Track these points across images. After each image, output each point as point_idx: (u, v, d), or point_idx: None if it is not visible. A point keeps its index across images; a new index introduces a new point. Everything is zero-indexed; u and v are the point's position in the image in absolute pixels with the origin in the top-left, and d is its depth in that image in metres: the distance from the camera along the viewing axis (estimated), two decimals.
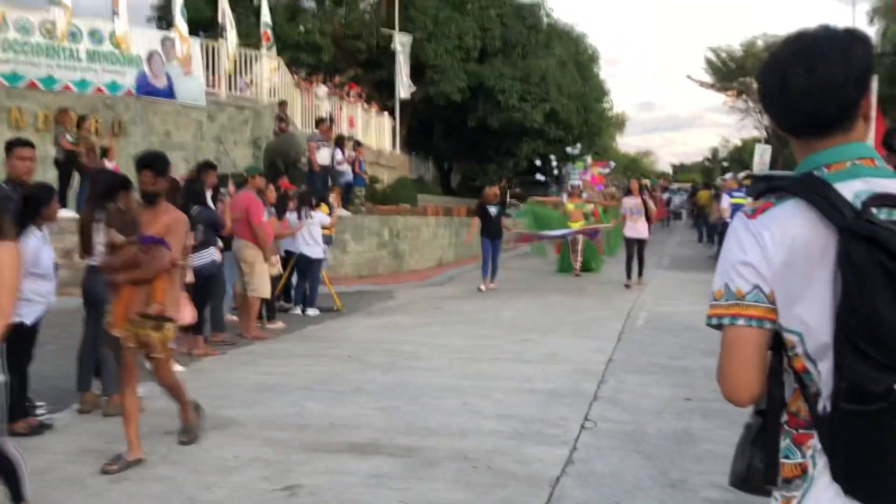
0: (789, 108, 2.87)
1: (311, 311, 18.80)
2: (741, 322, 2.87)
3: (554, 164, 44.97)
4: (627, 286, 24.54)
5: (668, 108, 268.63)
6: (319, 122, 28.20)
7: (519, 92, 49.29)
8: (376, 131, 41.59)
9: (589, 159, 40.26)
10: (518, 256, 35.40)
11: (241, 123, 29.65)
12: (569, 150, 44.67)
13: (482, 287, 23.85)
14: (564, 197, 31.04)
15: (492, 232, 24.25)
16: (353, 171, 28.41)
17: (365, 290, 23.29)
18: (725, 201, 29.01)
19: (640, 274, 25.28)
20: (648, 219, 25.22)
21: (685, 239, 48.34)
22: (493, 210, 24.38)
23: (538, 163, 52.78)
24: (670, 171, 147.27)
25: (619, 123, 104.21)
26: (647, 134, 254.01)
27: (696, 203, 51.54)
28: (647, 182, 47.70)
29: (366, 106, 40.73)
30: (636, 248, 25.01)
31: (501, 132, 51.94)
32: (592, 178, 35.74)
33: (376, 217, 28.41)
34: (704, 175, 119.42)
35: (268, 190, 16.83)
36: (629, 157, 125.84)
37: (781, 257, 2.83)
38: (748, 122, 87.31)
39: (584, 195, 30.41)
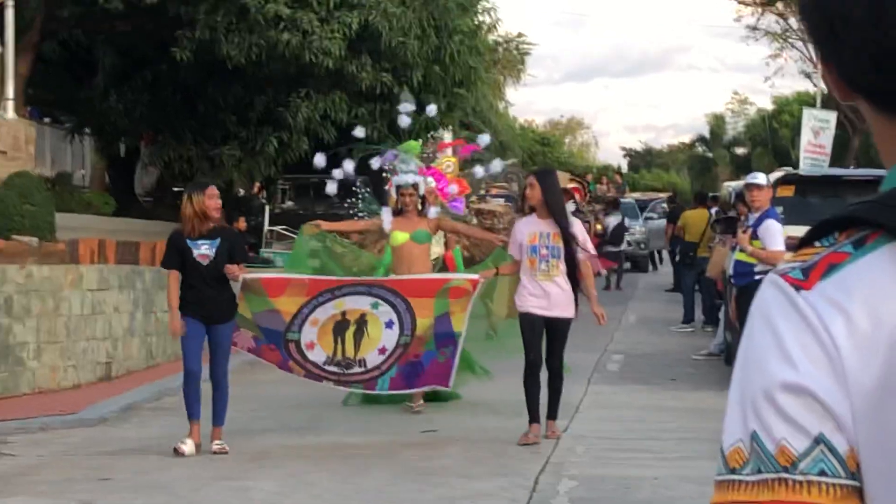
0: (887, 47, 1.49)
1: None
2: None
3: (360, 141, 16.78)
4: (528, 437, 12.07)
5: (617, 30, 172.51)
6: None
7: None
8: None
9: (443, 135, 22.72)
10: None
11: None
12: (428, 110, 17.12)
13: (185, 446, 11.52)
14: (386, 217, 14.45)
15: (207, 306, 11.95)
16: None
17: None
18: (744, 243, 14.33)
19: (551, 407, 12.31)
20: (575, 273, 12.17)
21: (654, 303, 29.33)
22: (205, 251, 12.00)
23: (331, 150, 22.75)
24: (623, 163, 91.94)
25: (511, 62, 57.26)
26: (574, 83, 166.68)
27: (678, 236, 24.79)
28: (574, 184, 32.01)
29: None
30: (545, 342, 12.29)
31: (255, 79, 25.46)
32: (439, 176, 16.51)
33: None
34: (695, 174, 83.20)
35: None
36: (535, 133, 76.54)
37: (875, 372, 1.46)
38: (788, 64, 53.43)
39: (432, 211, 14.41)
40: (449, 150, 19.18)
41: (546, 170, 14.49)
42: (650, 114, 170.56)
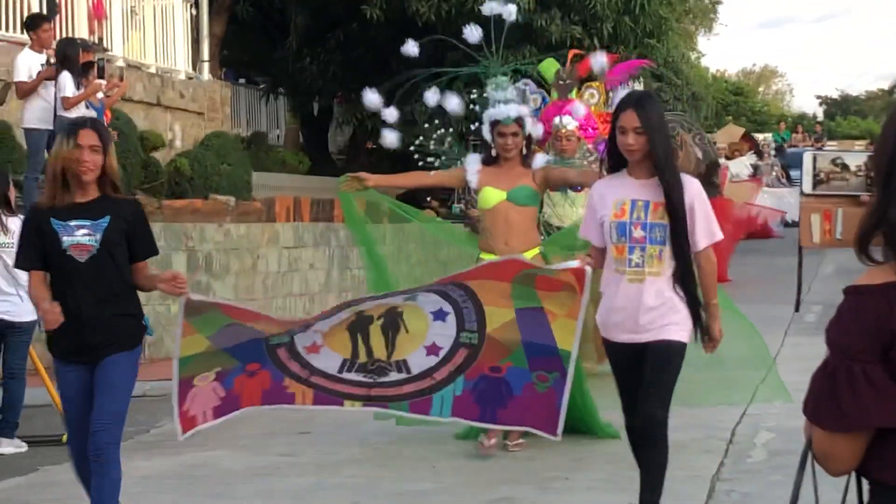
0: None
1: (6, 447, 10.34)
2: None
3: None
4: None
5: None
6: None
7: None
8: (156, 31, 21.89)
9: (602, 59, 12.79)
10: None
11: None
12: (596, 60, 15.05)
13: None
14: (472, 167, 9.31)
15: (88, 337, 6.76)
16: (105, 119, 14.05)
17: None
18: None
19: (648, 490, 6.91)
20: (689, 271, 6.87)
21: (852, 253, 28.09)
22: (84, 238, 6.73)
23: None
24: (819, 111, 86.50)
25: (703, 11, 53.62)
26: (767, 30, 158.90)
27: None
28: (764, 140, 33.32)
29: None
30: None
31: (445, 36, 23.55)
32: (588, 116, 11.21)
33: (157, 224, 14.08)
34: None
35: None
36: (727, 83, 70.59)
37: None
38: None
39: (539, 159, 9.33)
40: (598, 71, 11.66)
41: (646, 94, 7.86)
42: (846, 60, 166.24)
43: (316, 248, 18.60)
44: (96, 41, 17.73)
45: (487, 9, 9.65)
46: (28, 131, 13.84)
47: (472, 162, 9.23)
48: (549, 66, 11.49)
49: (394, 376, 7.62)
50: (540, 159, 9.20)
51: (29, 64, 13.53)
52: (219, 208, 17.60)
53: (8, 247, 9.55)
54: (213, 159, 18.60)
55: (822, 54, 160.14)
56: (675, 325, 6.68)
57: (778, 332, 15.23)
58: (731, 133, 27.22)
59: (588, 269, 7.01)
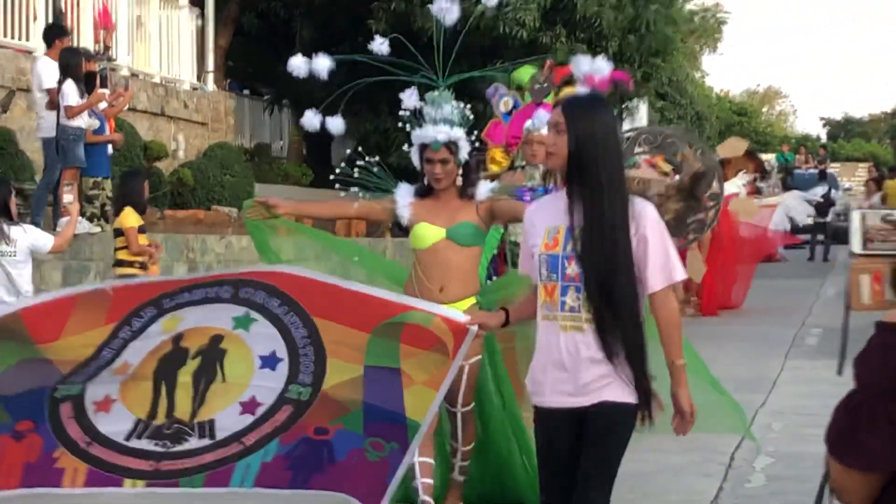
0: None
1: None
2: None
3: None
4: None
5: None
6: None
7: None
8: (162, 41, 22.11)
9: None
10: None
11: None
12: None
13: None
14: (402, 199, 7.66)
15: None
16: (108, 129, 14.48)
17: None
18: None
19: None
20: (638, 313, 5.22)
21: None
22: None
23: None
24: (822, 133, 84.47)
25: (708, 31, 53.51)
26: (771, 50, 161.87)
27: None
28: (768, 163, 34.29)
29: None
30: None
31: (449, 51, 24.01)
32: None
33: (159, 235, 14.48)
34: None
35: None
36: (731, 103, 71.01)
37: None
38: None
39: (483, 188, 7.55)
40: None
41: (585, 98, 5.71)
42: (849, 81, 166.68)
43: (317, 262, 18.49)
44: (102, 50, 17.76)
45: (436, 8, 8.29)
46: (46, 141, 13.76)
47: (404, 194, 7.59)
48: (526, 72, 11.11)
49: (193, 443, 5.89)
50: (484, 189, 7.44)
51: (51, 72, 13.49)
52: (221, 219, 17.62)
53: (9, 255, 9.56)
54: (215, 170, 18.63)
55: (826, 76, 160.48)
56: (625, 382, 5.01)
57: (778, 355, 15.23)
58: (733, 147, 25.50)
59: (472, 329, 5.43)
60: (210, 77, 23.71)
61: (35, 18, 17.54)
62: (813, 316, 20.07)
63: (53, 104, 13.36)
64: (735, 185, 23.16)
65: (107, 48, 18.50)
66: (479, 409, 7.70)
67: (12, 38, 17.27)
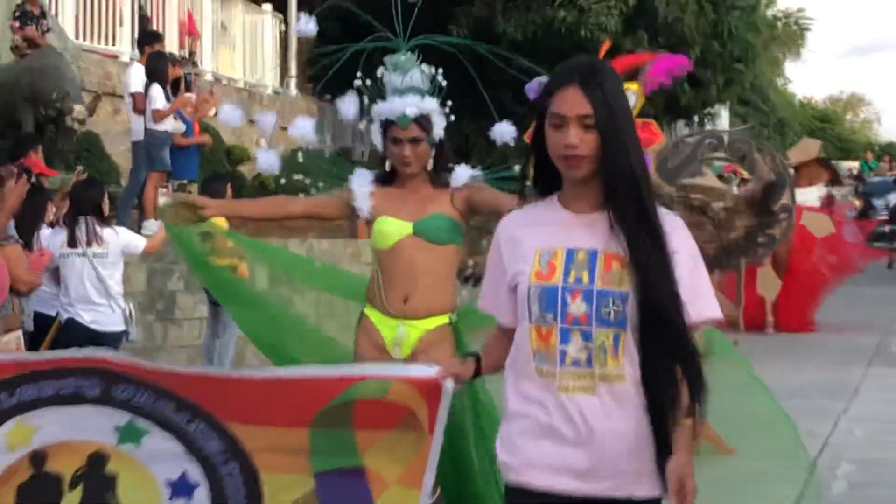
0: None
1: None
2: None
3: None
4: None
5: None
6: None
7: None
8: (245, 45, 22.72)
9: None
10: None
11: None
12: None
13: None
14: (361, 189, 5.95)
15: None
16: (193, 132, 14.62)
17: None
18: None
19: None
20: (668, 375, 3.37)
21: None
22: None
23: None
24: None
25: (790, 37, 48.91)
26: (856, 57, 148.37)
27: None
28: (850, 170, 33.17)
29: None
30: None
31: (530, 56, 23.40)
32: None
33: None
34: None
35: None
36: (814, 110, 69.21)
37: None
38: None
39: (461, 173, 5.87)
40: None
41: (606, 71, 3.47)
42: None
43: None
44: (186, 56, 17.97)
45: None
46: (135, 144, 13.92)
47: (361, 181, 5.98)
48: None
49: None
50: (462, 173, 5.80)
51: (141, 78, 13.67)
52: (302, 223, 17.65)
53: (102, 257, 9.70)
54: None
55: None
56: (648, 471, 3.44)
57: (861, 363, 15.21)
58: (806, 150, 23.03)
59: (448, 384, 4.06)
60: (293, 82, 23.96)
61: (121, 24, 17.81)
62: None
63: (139, 108, 13.54)
64: (810, 195, 21.93)
65: (192, 53, 18.75)
66: (451, 446, 4.95)
67: (99, 42, 17.55)
